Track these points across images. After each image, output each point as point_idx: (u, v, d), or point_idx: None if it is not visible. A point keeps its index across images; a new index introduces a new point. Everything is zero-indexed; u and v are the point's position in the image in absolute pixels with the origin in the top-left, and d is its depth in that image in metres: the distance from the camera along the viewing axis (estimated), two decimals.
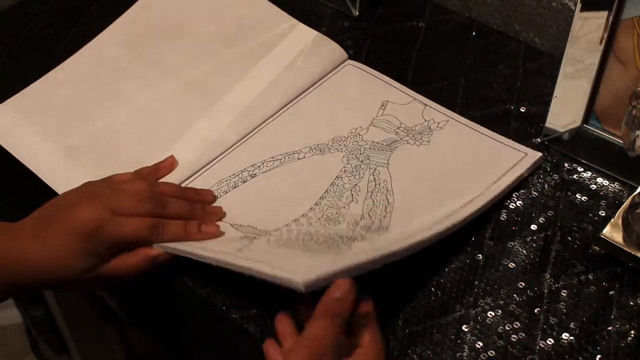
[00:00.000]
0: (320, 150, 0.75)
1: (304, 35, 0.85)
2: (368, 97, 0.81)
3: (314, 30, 0.86)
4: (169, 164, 0.73)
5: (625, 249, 0.65)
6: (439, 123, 0.77)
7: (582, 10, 0.68)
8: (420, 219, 0.67)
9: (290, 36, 0.86)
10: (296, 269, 0.53)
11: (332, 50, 0.84)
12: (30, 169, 0.73)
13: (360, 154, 0.74)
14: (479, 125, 0.77)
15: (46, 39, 0.88)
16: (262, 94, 0.80)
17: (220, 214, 0.68)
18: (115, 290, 0.67)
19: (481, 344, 0.62)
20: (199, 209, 0.67)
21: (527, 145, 0.75)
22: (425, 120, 0.78)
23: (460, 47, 0.87)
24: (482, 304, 0.64)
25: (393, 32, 0.89)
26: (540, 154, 0.74)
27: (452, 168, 0.73)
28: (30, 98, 0.80)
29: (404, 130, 0.77)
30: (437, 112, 0.79)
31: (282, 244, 0.63)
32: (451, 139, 0.76)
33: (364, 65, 0.84)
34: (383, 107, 0.79)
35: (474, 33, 0.89)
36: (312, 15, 0.90)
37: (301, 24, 0.87)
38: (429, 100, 0.80)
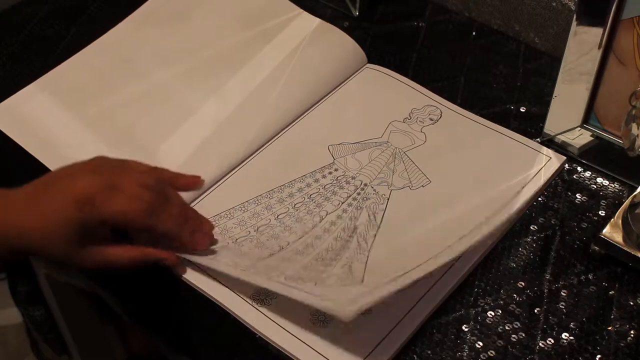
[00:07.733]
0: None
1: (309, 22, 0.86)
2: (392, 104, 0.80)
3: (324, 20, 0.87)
4: (191, 182, 0.70)
5: (625, 249, 0.65)
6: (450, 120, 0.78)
7: (581, 10, 0.68)
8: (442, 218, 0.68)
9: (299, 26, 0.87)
10: (338, 300, 0.55)
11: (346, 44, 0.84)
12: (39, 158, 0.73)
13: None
14: (495, 125, 0.77)
15: (46, 39, 0.88)
16: (265, 82, 0.80)
17: (211, 229, 0.67)
18: (98, 272, 0.65)
19: (481, 343, 0.62)
20: (195, 218, 0.66)
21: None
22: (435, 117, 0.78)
23: (460, 47, 0.87)
24: (482, 304, 0.64)
25: (393, 32, 0.89)
26: (564, 158, 0.73)
27: (469, 168, 0.73)
28: (51, 82, 0.81)
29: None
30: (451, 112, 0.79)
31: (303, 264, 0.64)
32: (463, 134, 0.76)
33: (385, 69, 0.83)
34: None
35: (474, 33, 0.89)
36: (312, 15, 0.90)
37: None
38: (446, 101, 0.80)
